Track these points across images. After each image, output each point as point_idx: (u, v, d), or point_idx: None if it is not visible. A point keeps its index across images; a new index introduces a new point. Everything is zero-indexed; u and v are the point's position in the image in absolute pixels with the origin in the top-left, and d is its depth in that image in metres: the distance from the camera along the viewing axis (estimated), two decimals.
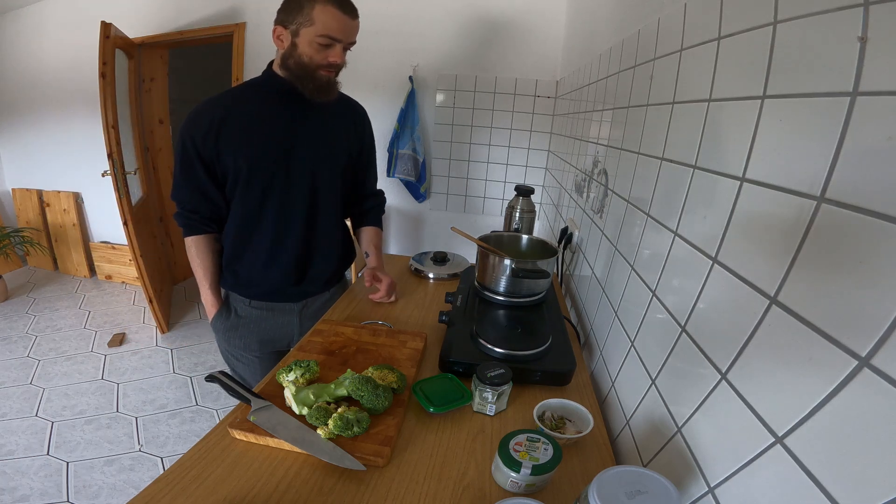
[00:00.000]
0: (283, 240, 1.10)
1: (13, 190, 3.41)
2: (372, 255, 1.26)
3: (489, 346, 0.89)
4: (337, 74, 1.03)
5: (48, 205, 3.34)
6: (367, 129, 1.24)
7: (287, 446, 0.66)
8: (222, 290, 1.18)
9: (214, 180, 1.06)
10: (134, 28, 2.66)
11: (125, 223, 2.44)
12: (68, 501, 1.56)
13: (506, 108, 2.48)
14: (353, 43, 1.00)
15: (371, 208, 1.30)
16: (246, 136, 1.02)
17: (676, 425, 0.57)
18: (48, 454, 1.75)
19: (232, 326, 1.17)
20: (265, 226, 1.08)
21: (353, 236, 1.32)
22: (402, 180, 2.58)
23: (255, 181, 1.04)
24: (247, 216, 1.08)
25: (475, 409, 0.78)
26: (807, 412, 0.36)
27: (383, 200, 1.35)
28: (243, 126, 1.02)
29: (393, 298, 1.21)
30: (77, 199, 3.31)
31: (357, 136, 1.19)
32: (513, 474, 0.59)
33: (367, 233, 1.29)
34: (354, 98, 1.21)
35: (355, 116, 1.19)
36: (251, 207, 1.07)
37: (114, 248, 3.30)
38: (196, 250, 1.10)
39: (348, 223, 1.32)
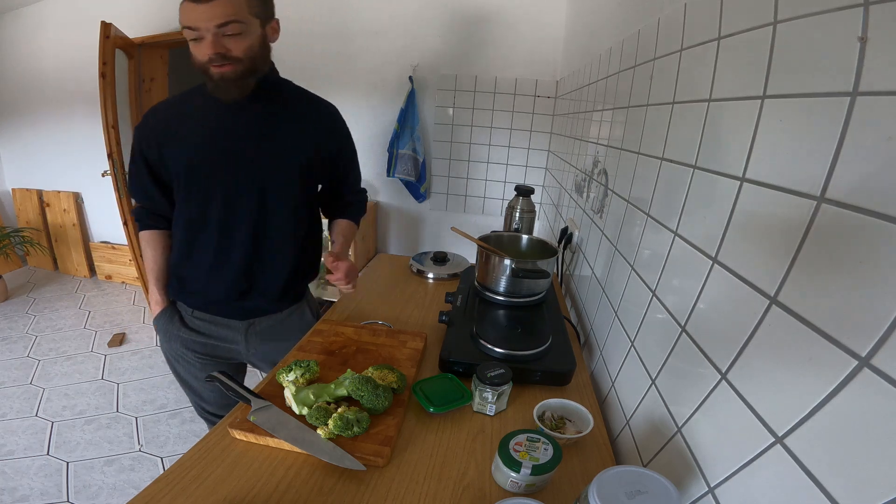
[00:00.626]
0: (227, 248, 1.03)
1: (13, 190, 3.41)
2: (337, 243, 1.18)
3: (489, 346, 0.89)
4: (248, 71, 0.91)
5: (48, 205, 3.34)
6: (341, 129, 1.14)
7: (287, 446, 0.66)
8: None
9: (158, 182, 1.04)
10: (134, 28, 2.66)
11: (125, 223, 2.44)
12: (68, 501, 1.56)
13: (506, 108, 2.48)
14: (229, 23, 0.84)
15: (349, 204, 1.23)
16: (188, 139, 0.98)
17: (676, 425, 0.57)
18: (48, 454, 1.75)
19: (174, 327, 1.11)
20: (209, 232, 1.02)
21: (316, 252, 1.23)
22: (402, 180, 2.58)
23: (196, 185, 1.00)
24: (191, 221, 1.03)
25: (475, 409, 0.78)
26: (807, 412, 0.36)
27: (364, 198, 1.27)
28: (186, 129, 0.98)
29: (352, 286, 1.13)
30: (77, 199, 3.31)
31: (325, 138, 1.09)
32: (513, 474, 0.59)
33: (339, 224, 1.21)
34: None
35: (321, 116, 1.09)
36: (195, 211, 1.02)
37: (114, 248, 3.30)
38: (146, 244, 1.09)
39: (324, 222, 1.25)
